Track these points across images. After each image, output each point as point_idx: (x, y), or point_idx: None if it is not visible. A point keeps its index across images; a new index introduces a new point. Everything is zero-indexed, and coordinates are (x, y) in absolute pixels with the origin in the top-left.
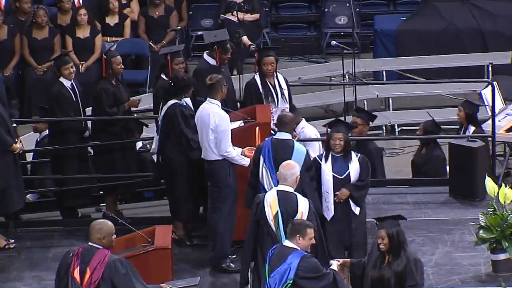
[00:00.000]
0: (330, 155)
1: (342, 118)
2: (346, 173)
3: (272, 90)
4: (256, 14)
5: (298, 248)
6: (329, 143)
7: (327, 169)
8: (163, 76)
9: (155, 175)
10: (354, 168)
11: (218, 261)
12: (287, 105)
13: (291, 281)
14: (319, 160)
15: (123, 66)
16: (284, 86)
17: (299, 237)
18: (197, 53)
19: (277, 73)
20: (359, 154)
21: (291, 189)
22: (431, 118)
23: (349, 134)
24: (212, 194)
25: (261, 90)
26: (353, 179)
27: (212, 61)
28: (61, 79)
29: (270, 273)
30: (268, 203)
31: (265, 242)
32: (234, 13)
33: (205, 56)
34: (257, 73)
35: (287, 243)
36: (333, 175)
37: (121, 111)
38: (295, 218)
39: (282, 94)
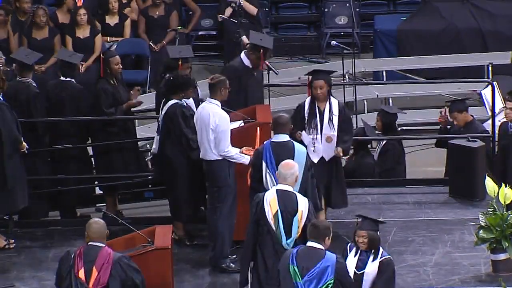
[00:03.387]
0: (359, 249)
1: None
2: (360, 272)
3: (318, 116)
4: (254, 8)
5: (323, 247)
6: (354, 237)
7: (350, 264)
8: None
9: (155, 175)
10: (371, 269)
11: (218, 261)
12: (334, 133)
13: (332, 280)
14: (348, 251)
15: (121, 66)
16: (335, 112)
17: (327, 239)
18: (197, 53)
19: (332, 98)
20: (387, 255)
21: (290, 188)
22: (364, 125)
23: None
24: (212, 194)
25: (306, 114)
26: (366, 283)
27: (247, 62)
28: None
29: (304, 274)
30: (268, 202)
31: (265, 241)
32: (232, 4)
33: (242, 55)
34: (309, 96)
35: (312, 243)
36: (354, 271)
37: (119, 111)
38: (295, 217)
39: (330, 120)
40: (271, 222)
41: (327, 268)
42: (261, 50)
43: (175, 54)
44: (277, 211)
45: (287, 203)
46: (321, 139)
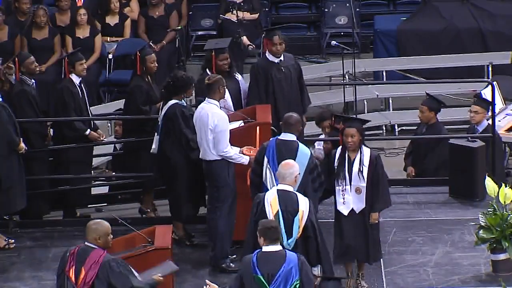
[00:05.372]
0: None
1: None
2: None
3: (346, 166)
4: (256, 14)
5: (281, 248)
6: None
7: None
8: (208, 71)
9: (155, 175)
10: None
11: (218, 261)
12: (364, 184)
13: (298, 280)
14: None
15: (157, 64)
16: (366, 163)
17: (279, 237)
18: (197, 53)
19: (364, 147)
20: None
21: (290, 188)
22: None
23: None
24: (212, 194)
25: (335, 163)
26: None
27: (271, 57)
28: (72, 76)
29: (270, 280)
30: (269, 202)
31: None
32: (234, 12)
33: (267, 52)
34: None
35: (268, 248)
36: None
37: (153, 111)
38: (296, 217)
39: (360, 171)
40: None
41: (291, 269)
42: (213, 53)
43: (210, 45)
44: (277, 211)
45: (288, 203)
46: (350, 190)
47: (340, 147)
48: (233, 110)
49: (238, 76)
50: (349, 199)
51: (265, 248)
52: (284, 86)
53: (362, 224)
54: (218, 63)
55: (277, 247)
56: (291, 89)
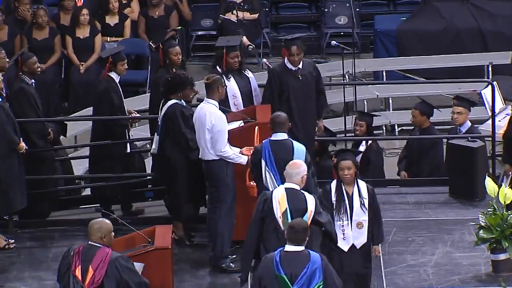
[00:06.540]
0: None
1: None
2: None
3: (346, 201)
4: (255, 14)
5: (304, 248)
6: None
7: None
8: (218, 68)
9: (155, 175)
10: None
11: (218, 261)
12: (365, 217)
13: (322, 282)
14: None
15: (180, 57)
16: (365, 195)
17: (306, 239)
18: (197, 53)
19: (359, 180)
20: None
21: (298, 187)
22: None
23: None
24: (211, 194)
25: (333, 199)
26: None
27: (289, 65)
28: (112, 74)
29: (294, 281)
30: (277, 199)
31: (270, 239)
32: (234, 12)
33: (286, 59)
34: (335, 179)
35: (290, 247)
36: None
37: None
38: (305, 216)
39: (362, 203)
40: (280, 220)
41: (315, 270)
42: (224, 50)
43: (222, 43)
44: (286, 209)
45: (296, 202)
46: (351, 226)
47: (335, 181)
48: (242, 107)
49: (249, 73)
50: (349, 234)
51: (288, 248)
52: (300, 93)
53: (362, 259)
54: (228, 61)
55: (299, 248)
56: (307, 96)
